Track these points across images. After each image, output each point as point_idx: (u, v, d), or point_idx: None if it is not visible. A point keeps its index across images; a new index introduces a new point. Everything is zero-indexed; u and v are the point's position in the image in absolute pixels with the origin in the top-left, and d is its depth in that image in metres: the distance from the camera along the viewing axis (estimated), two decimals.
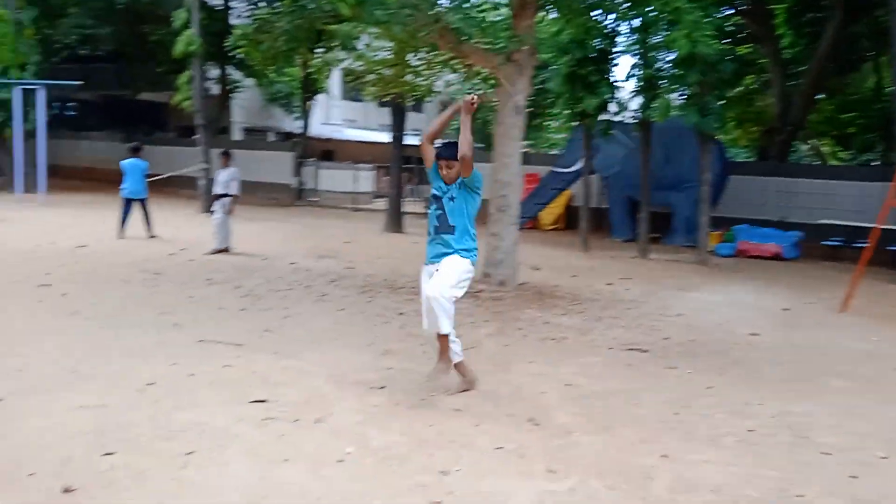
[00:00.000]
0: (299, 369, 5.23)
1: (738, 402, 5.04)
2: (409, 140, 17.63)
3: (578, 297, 9.06)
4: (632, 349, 6.47)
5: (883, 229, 9.53)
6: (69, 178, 27.22)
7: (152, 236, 12.52)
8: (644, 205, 14.04)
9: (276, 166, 23.95)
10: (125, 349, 5.52)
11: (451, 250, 4.72)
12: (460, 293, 4.73)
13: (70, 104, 19.31)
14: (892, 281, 11.85)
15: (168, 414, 4.18)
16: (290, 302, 7.74)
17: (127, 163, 12.58)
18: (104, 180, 27.05)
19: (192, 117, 19.76)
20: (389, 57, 12.58)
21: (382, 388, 4.87)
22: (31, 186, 19.14)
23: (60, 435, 3.80)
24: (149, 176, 13.00)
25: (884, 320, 8.54)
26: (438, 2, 9.31)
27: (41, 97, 18.36)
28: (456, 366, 4.84)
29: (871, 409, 5.04)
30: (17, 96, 18.56)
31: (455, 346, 4.79)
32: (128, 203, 12.48)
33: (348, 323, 6.92)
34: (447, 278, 4.62)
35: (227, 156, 11.42)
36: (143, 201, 12.64)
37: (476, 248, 4.86)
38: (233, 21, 23.77)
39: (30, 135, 19.47)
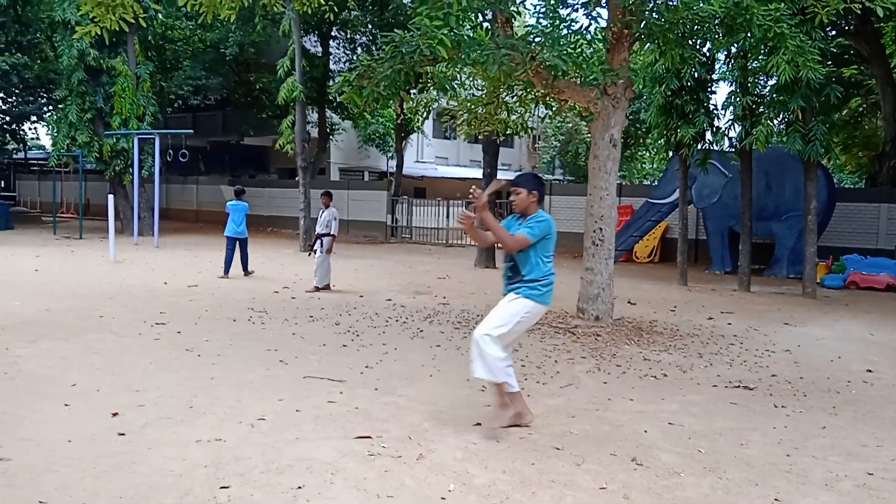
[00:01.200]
0: (399, 405, 5.35)
1: (855, 444, 4.78)
2: (501, 175, 17.78)
3: (678, 332, 8.83)
4: (737, 387, 6.25)
5: None
6: (180, 219, 28.90)
7: (248, 273, 13.06)
8: (745, 235, 13.59)
9: (371, 205, 24.62)
10: (235, 385, 5.79)
11: (514, 285, 4.82)
12: (505, 331, 4.71)
13: (181, 151, 20.63)
14: None
15: (278, 448, 4.36)
16: (387, 338, 7.91)
17: (231, 204, 13.20)
18: (212, 221, 28.58)
19: (293, 160, 20.63)
20: (483, 95, 12.82)
21: (479, 425, 4.89)
22: (146, 229, 20.43)
23: (181, 468, 4.03)
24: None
25: None
26: (533, 39, 9.46)
27: (157, 146, 19.65)
28: (509, 395, 4.81)
29: None
30: (135, 145, 19.93)
31: (507, 378, 4.75)
32: (232, 242, 13.09)
33: (444, 359, 7.01)
34: (491, 319, 4.75)
35: (327, 196, 11.86)
36: (243, 241, 13.20)
37: (543, 282, 4.81)
38: (332, 66, 24.89)
39: (145, 181, 20.86)
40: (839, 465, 4.40)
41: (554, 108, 12.18)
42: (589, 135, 9.67)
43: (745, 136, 13.08)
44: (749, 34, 8.85)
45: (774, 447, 4.69)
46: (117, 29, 10.00)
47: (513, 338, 4.93)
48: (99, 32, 9.71)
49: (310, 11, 12.42)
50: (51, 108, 28.34)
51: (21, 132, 32.30)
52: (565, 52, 8.54)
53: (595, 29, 10.65)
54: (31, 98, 29.08)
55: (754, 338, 8.66)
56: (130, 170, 20.63)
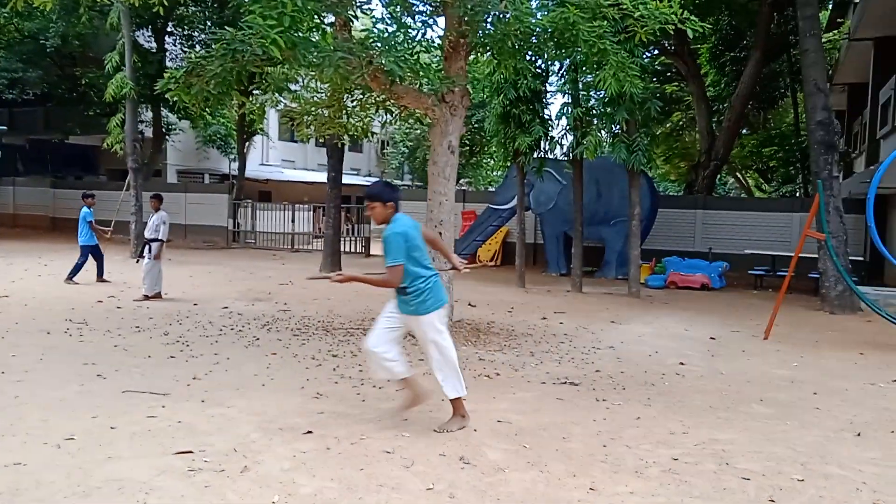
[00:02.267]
0: (227, 417, 5.13)
1: (664, 432, 5.15)
2: (348, 179, 17.66)
3: (513, 332, 9.16)
4: (564, 383, 6.57)
5: (802, 258, 9.96)
6: None
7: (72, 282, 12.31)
8: (577, 239, 14.34)
9: (211, 208, 23.65)
10: (43, 403, 5.31)
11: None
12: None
13: None
14: (812, 308, 12.35)
15: (86, 470, 4.03)
16: (220, 347, 7.60)
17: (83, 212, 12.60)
18: (31, 226, 26.24)
19: (124, 160, 19.38)
20: (324, 98, 12.66)
21: (309, 433, 4.80)
22: None
23: None
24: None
25: (804, 346, 8.89)
26: (371, 44, 9.45)
27: None
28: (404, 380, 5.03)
29: (790, 434, 5.22)
30: None
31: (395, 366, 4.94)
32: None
33: (279, 367, 6.82)
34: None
35: (157, 199, 11.24)
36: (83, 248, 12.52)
37: (414, 292, 4.85)
38: (168, 63, 23.62)
39: None
40: (649, 452, 4.72)
41: (395, 114, 12.26)
42: (430, 142, 9.80)
43: (576, 145, 13.82)
44: (577, 49, 9.38)
45: (593, 439, 4.96)
46: None
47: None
48: None
49: (137, 4, 11.69)
50: None
51: None
52: (402, 58, 8.60)
53: (432, 37, 10.84)
54: None
55: (583, 336, 9.15)
56: None
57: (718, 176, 26.03)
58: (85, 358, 6.84)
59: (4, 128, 22.80)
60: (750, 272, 15.92)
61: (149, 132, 24.51)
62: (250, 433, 4.79)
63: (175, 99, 8.68)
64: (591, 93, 14.12)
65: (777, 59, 22.72)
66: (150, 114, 24.50)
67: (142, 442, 4.54)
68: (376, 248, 22.04)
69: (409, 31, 10.27)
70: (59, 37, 23.16)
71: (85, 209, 12.62)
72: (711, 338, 9.33)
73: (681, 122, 29.23)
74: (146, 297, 10.73)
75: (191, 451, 4.37)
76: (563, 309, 11.45)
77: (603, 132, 14.56)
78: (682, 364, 7.63)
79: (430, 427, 5.06)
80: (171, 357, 7.07)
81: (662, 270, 15.90)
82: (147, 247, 10.94)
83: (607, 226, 16.53)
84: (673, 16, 8.43)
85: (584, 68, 13.19)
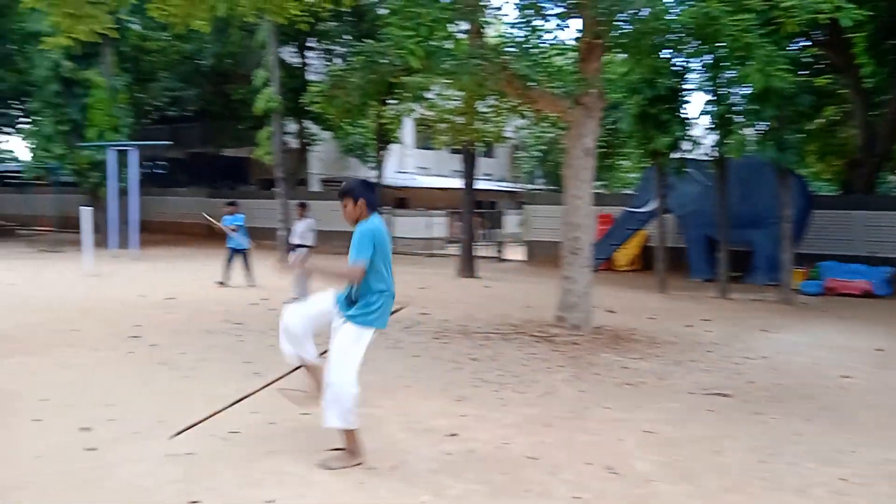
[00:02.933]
0: (375, 417, 5.30)
1: (830, 450, 4.81)
2: (481, 185, 17.81)
3: (656, 340, 8.86)
4: (714, 394, 6.28)
5: None
6: (158, 232, 28.60)
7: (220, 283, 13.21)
8: (723, 243, 13.68)
9: None
10: (209, 398, 5.70)
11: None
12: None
13: (159, 162, 20.44)
14: None
15: (250, 462, 4.30)
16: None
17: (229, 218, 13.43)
18: (191, 234, 28.33)
19: (273, 170, 20.52)
20: (459, 105, 12.86)
21: (457, 435, 4.86)
22: (123, 242, 20.20)
23: (151, 483, 3.96)
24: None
25: None
26: (505, 50, 9.50)
27: (133, 157, 19.47)
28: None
29: None
30: (111, 158, 19.74)
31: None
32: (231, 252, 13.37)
33: (422, 370, 6.97)
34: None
35: (303, 206, 11.79)
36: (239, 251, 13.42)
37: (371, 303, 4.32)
38: (309, 77, 24.83)
39: (123, 193, 20.64)
40: (813, 471, 4.42)
41: (529, 119, 12.24)
42: (566, 144, 9.71)
43: (719, 144, 13.21)
44: (719, 44, 8.97)
45: (749, 454, 4.71)
46: (88, 40, 9.90)
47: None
48: (70, 43, 9.60)
49: (285, 22, 12.37)
50: (25, 120, 28.01)
51: None
52: (536, 61, 8.58)
53: (567, 39, 10.74)
54: (4, 110, 28.73)
55: (732, 345, 8.71)
56: (106, 182, 20.42)
57: (880, 173, 24.01)
58: (243, 357, 7.29)
59: (168, 142, 24.78)
60: None
61: (294, 143, 25.83)
62: (397, 433, 4.92)
63: (319, 111, 9.13)
64: (735, 89, 13.47)
65: None
66: (294, 126, 25.81)
67: (298, 438, 4.78)
68: (510, 253, 22.07)
69: (543, 34, 10.23)
70: (213, 56, 24.97)
71: (226, 217, 13.39)
72: (877, 349, 8.61)
73: (835, 117, 27.23)
74: (294, 300, 11.29)
75: (343, 449, 4.54)
76: (708, 316, 10.95)
77: (748, 130, 13.85)
78: (845, 377, 7.09)
79: (574, 434, 5.00)
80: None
81: (818, 276, 14.84)
82: (294, 252, 11.51)
83: (755, 228, 15.65)
84: (826, 4, 7.87)
85: (726, 63, 12.61)
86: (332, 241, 24.33)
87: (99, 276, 14.43)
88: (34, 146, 22.22)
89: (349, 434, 4.33)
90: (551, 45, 9.80)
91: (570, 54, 11.42)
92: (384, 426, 5.07)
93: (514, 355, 7.67)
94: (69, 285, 12.90)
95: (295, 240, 11.58)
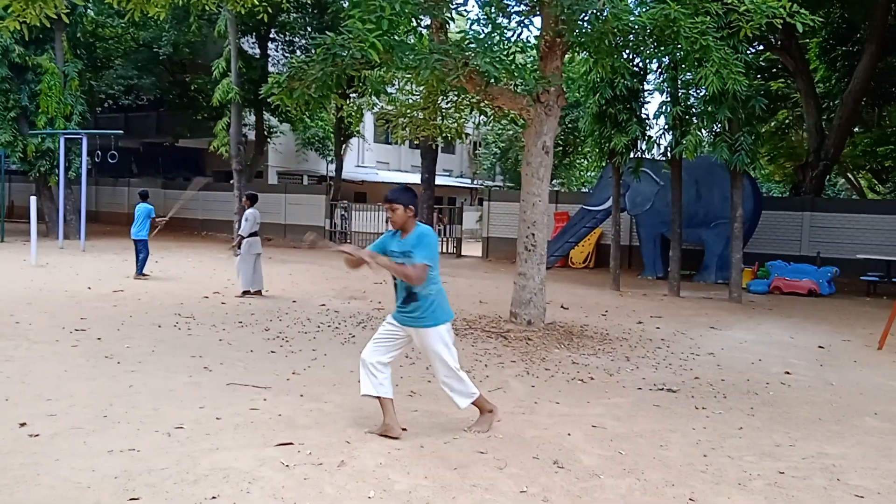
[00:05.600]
0: (324, 412, 5.27)
1: (769, 444, 4.93)
2: (440, 180, 17.83)
3: (608, 336, 8.98)
4: (661, 389, 6.38)
5: None
6: (110, 223, 27.97)
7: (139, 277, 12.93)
8: (675, 242, 13.93)
9: (309, 209, 24.35)
10: (155, 393, 5.61)
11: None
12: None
13: (112, 152, 19.96)
14: None
15: (194, 458, 4.23)
16: (318, 344, 7.81)
17: (138, 207, 13.18)
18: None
19: (229, 162, 20.24)
20: (419, 100, 12.81)
21: (404, 429, 4.85)
22: (72, 233, 19.71)
23: (89, 479, 3.87)
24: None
25: None
26: (467, 46, 9.50)
27: (84, 146, 18.99)
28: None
29: None
30: (61, 146, 19.23)
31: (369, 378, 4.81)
32: (136, 244, 13.06)
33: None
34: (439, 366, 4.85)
35: (249, 199, 11.66)
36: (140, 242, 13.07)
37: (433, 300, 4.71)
38: (270, 69, 24.54)
39: (72, 182, 20.13)
40: (753, 464, 4.52)
41: (489, 115, 12.28)
42: (524, 142, 9.77)
43: (675, 145, 13.43)
44: (678, 46, 9.10)
45: (692, 448, 4.80)
46: (39, 25, 9.62)
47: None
48: (18, 27, 9.31)
49: (243, 12, 12.19)
50: None
51: None
52: (498, 58, 8.60)
53: (528, 37, 10.78)
54: None
55: (680, 341, 8.88)
56: (56, 171, 19.89)
57: (828, 177, 24.68)
58: (192, 351, 7.18)
59: (121, 132, 24.21)
60: (862, 278, 15.00)
61: (252, 135, 25.51)
62: (346, 428, 4.90)
63: (277, 103, 9.00)
64: (692, 91, 13.70)
65: (894, 53, 21.33)
66: (253, 118, 25.49)
67: (245, 433, 4.71)
68: (468, 249, 22.12)
69: (505, 31, 10.26)
70: (171, 45, 24.51)
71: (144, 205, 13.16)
72: (820, 346, 8.86)
73: (787, 121, 27.90)
74: (244, 293, 11.14)
75: (291, 444, 4.50)
76: (659, 313, 11.14)
77: (703, 131, 14.09)
78: (787, 373, 7.27)
79: (523, 429, 5.03)
80: (272, 352, 7.33)
81: (766, 275, 15.21)
82: (239, 243, 11.40)
83: (707, 228, 15.98)
84: (781, 9, 8.05)
85: (684, 65, 12.81)
86: (290, 234, 24.15)
87: (45, 266, 14.06)
88: None
89: (479, 400, 4.94)
90: (513, 42, 9.81)
91: (531, 52, 11.47)
92: (333, 421, 5.04)
93: (467, 350, 7.69)
94: (13, 276, 12.54)
95: (245, 231, 11.39)
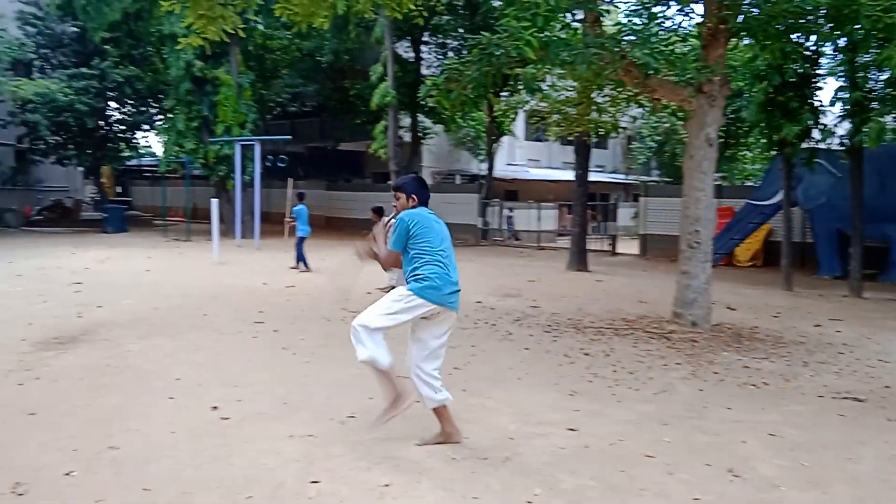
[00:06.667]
0: (486, 407, 5.33)
1: None
2: (593, 177, 17.51)
3: (781, 339, 8.42)
4: (845, 398, 5.89)
5: None
6: (280, 222, 29.84)
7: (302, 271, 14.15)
8: (856, 238, 12.80)
9: (462, 207, 24.72)
10: (328, 382, 5.93)
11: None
12: (387, 322, 4.49)
13: (280, 156, 21.39)
14: None
15: (366, 446, 4.43)
16: (475, 340, 7.91)
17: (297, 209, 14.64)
18: (310, 224, 29.41)
19: (387, 164, 20.98)
20: (573, 96, 12.66)
21: (570, 430, 4.81)
22: (247, 232, 21.24)
23: (274, 462, 4.16)
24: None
25: None
26: (624, 38, 9.26)
27: (257, 152, 20.42)
28: (435, 410, 4.51)
29: None
30: (237, 152, 20.79)
31: (424, 388, 4.45)
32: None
33: (533, 362, 6.94)
34: (375, 307, 4.56)
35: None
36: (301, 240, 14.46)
37: (417, 276, 4.44)
38: (423, 71, 25.21)
39: (247, 185, 21.70)
40: None
41: (647, 108, 11.90)
42: (686, 134, 9.38)
43: (854, 133, 12.37)
44: (857, 26, 8.37)
45: (887, 463, 4.40)
46: (219, 40, 10.45)
47: (393, 324, 4.52)
48: (202, 44, 10.16)
49: (400, 17, 12.58)
50: (161, 117, 29.91)
51: (134, 140, 34.30)
52: (657, 49, 8.32)
53: (689, 25, 10.33)
54: (143, 108, 30.80)
55: (866, 347, 8.15)
56: (233, 175, 21.53)
57: None
58: None
59: (289, 137, 25.80)
60: None
61: (407, 137, 26.29)
62: (508, 425, 4.93)
63: (433, 105, 9.24)
64: (872, 74, 12.54)
65: None
66: (408, 120, 26.28)
67: (412, 425, 4.86)
68: (623, 246, 21.57)
69: (663, 21, 9.90)
70: (332, 53, 25.80)
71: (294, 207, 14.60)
72: None
73: None
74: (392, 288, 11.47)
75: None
76: (839, 315, 10.28)
77: (887, 117, 12.87)
78: None
79: (693, 434, 4.83)
80: None
81: None
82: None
83: (893, 223, 14.55)
84: None
85: (863, 47, 11.75)
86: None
87: (225, 264, 15.26)
88: (168, 141, 23.71)
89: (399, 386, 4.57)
90: (672, 31, 9.46)
91: (692, 41, 10.99)
92: (495, 417, 5.09)
93: (628, 351, 7.50)
94: (200, 273, 13.72)
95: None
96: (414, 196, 4.72)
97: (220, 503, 3.65)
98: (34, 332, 7.63)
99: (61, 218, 30.33)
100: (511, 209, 24.95)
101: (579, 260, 16.32)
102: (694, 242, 8.91)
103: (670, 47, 9.46)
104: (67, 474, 3.94)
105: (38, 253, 16.59)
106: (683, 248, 9.05)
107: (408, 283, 4.51)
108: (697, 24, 9.55)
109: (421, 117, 25.96)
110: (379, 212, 12.14)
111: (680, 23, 9.76)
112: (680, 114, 11.15)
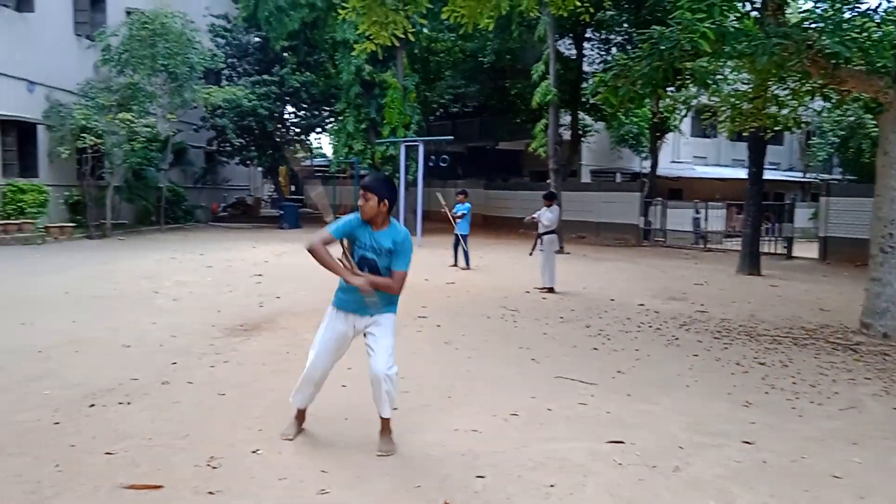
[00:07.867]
0: (654, 414, 5.16)
1: None
2: (768, 175, 16.41)
3: None
4: None
5: None
6: (442, 221, 30.60)
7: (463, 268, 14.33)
8: None
9: (623, 206, 24.08)
10: (490, 379, 6.00)
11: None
12: None
13: (442, 156, 21.91)
14: None
15: (530, 445, 4.43)
16: (640, 344, 7.68)
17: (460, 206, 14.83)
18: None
19: (545, 162, 20.87)
20: (748, 89, 11.93)
21: (746, 443, 4.55)
22: (410, 230, 21.94)
23: (441, 453, 4.27)
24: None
25: None
26: (809, 26, 8.62)
27: (421, 152, 21.03)
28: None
29: None
30: (402, 152, 21.53)
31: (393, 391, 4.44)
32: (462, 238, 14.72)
33: (703, 370, 6.62)
34: (389, 346, 4.48)
35: (548, 198, 11.83)
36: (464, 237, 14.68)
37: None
38: (586, 68, 24.83)
39: (410, 184, 22.43)
40: None
41: (834, 100, 11.00)
42: (876, 129, 8.56)
43: None
44: None
45: None
46: (389, 45, 10.88)
47: None
48: (374, 48, 10.62)
49: (565, 14, 12.47)
50: (332, 119, 31.56)
51: (308, 142, 36.51)
52: (849, 36, 7.66)
53: (886, 9, 9.42)
54: (316, 112, 32.65)
55: None
56: (398, 174, 22.32)
57: None
58: (519, 342, 7.54)
59: (451, 137, 26.35)
60: None
61: (567, 135, 26.00)
62: (678, 433, 4.74)
63: (597, 102, 9.06)
64: None
65: None
66: (568, 118, 25.98)
67: (576, 426, 4.82)
68: (799, 249, 20.07)
69: (857, 5, 9.12)
70: (494, 53, 26.04)
71: (457, 204, 14.80)
72: None
73: None
74: (548, 290, 11.33)
75: (622, 442, 4.49)
76: None
77: None
78: None
79: (888, 456, 4.41)
80: (595, 349, 7.38)
81: None
82: (539, 240, 11.62)
83: None
84: None
85: None
86: (603, 233, 24.17)
87: None
88: (338, 143, 25.00)
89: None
90: (865, 16, 8.66)
91: (888, 27, 10.01)
92: (664, 424, 4.91)
93: (808, 363, 6.97)
94: None
95: (541, 228, 11.60)
96: (387, 201, 4.29)
97: (392, 489, 3.80)
98: (223, 319, 8.33)
99: (243, 214, 32.89)
100: (697, 209, 23.85)
101: (751, 263, 15.36)
102: (887, 247, 8.13)
103: (864, 34, 8.67)
104: (255, 452, 4.26)
105: (224, 246, 18.07)
106: (875, 253, 8.28)
107: (389, 307, 4.61)
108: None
109: (581, 115, 25.57)
110: (550, 196, 12.08)
111: (877, 6, 8.90)
112: (872, 106, 10.15)
